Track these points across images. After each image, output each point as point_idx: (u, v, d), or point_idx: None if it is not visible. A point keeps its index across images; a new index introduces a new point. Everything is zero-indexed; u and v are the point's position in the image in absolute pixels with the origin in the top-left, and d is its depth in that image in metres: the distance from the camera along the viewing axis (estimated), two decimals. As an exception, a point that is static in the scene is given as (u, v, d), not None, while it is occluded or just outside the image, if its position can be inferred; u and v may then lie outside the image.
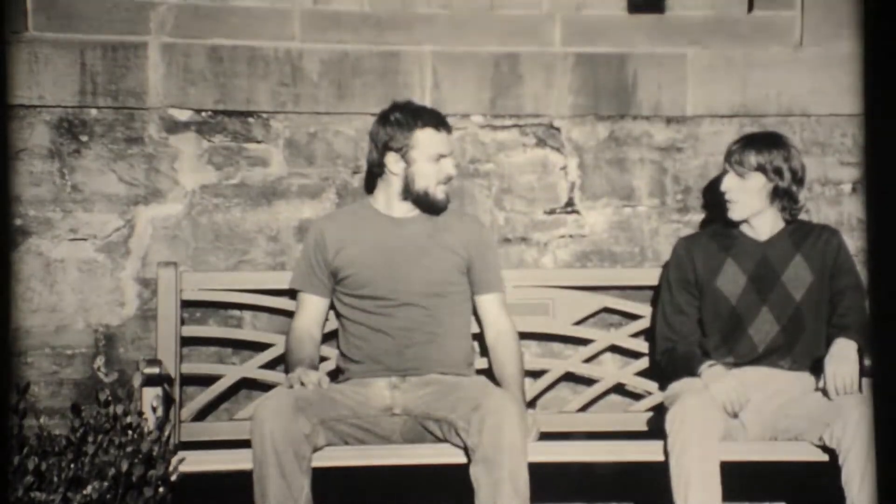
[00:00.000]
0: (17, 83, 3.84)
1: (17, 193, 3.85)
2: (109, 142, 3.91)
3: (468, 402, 3.37)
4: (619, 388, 3.98)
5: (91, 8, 3.91)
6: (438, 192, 3.65)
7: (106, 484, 3.04)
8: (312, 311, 3.70)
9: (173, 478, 3.28)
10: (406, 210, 3.69)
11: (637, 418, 3.87)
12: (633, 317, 3.96)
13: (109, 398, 3.36)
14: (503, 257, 4.00)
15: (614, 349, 3.98)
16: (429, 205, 3.66)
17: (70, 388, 3.86)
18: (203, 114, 3.96)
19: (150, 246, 3.92)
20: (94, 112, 3.91)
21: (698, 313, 3.72)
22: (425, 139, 3.61)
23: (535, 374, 3.95)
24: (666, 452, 3.38)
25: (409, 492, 3.86)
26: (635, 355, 3.95)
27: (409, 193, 3.65)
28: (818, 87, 4.04)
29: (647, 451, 3.48)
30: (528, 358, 3.96)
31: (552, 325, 3.94)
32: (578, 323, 3.96)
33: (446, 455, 3.45)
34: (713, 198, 3.91)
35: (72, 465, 3.05)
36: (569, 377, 3.97)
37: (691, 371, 3.58)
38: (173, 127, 3.94)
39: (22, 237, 3.86)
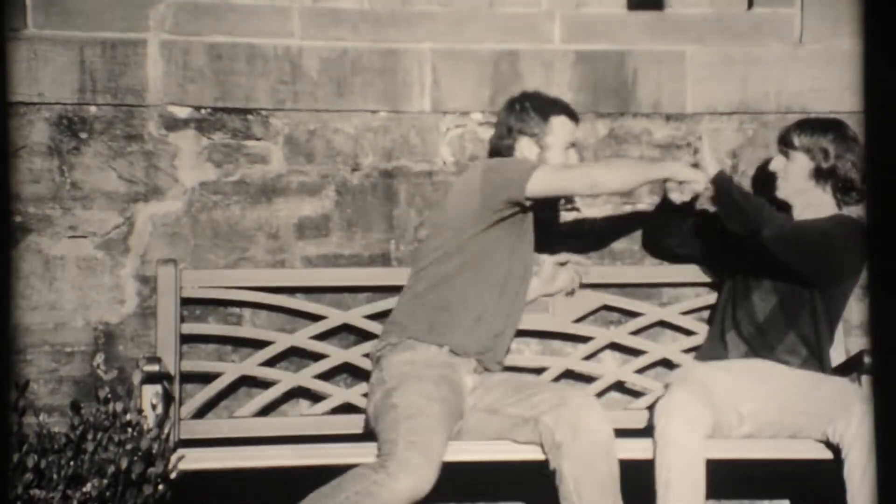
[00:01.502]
0: (17, 80, 3.84)
1: (16, 190, 3.85)
2: (109, 139, 3.92)
3: (548, 397, 3.41)
4: (619, 386, 3.98)
5: (90, 5, 3.91)
6: None
7: (105, 481, 3.05)
8: None
9: (173, 475, 3.28)
10: None
11: (637, 416, 3.86)
12: (633, 314, 3.96)
13: (109, 396, 3.37)
14: None
15: (614, 346, 3.98)
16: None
17: (69, 385, 3.86)
18: (202, 111, 3.96)
19: (150, 243, 3.91)
20: (93, 109, 3.91)
21: None
22: (559, 126, 3.67)
23: (536, 372, 3.93)
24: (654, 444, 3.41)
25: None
26: (635, 353, 3.95)
27: None
28: (818, 84, 4.03)
29: (647, 449, 3.48)
30: (528, 355, 3.99)
31: (552, 323, 3.94)
32: (578, 320, 3.95)
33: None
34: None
35: (71, 463, 3.05)
36: (568, 374, 3.97)
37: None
38: (173, 124, 3.94)
39: (21, 234, 3.86)
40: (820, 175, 3.67)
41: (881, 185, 1.33)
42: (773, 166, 3.74)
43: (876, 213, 1.33)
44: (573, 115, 3.72)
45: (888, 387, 1.33)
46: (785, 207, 3.73)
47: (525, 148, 3.66)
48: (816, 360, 3.65)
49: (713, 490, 3.51)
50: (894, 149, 1.31)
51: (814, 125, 3.72)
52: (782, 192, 3.73)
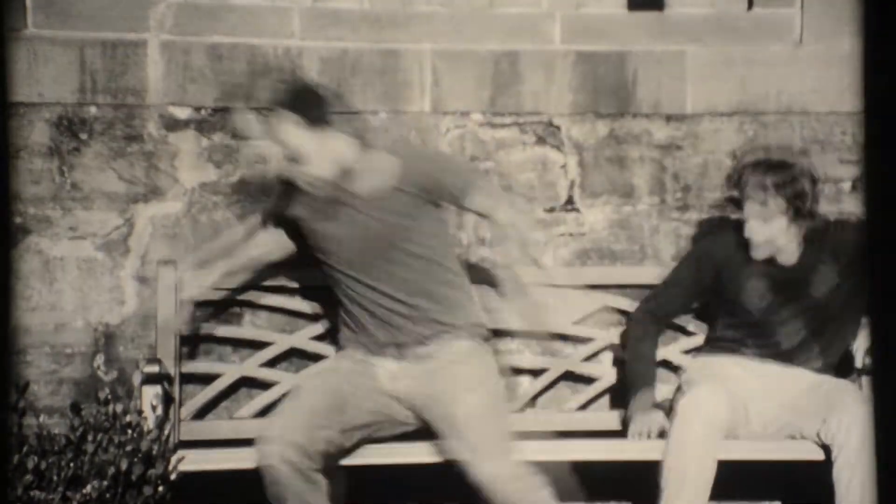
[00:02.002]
0: (17, 81, 3.85)
1: (16, 191, 3.85)
2: (109, 139, 3.91)
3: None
4: (619, 387, 3.96)
5: (90, 5, 3.92)
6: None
7: (105, 483, 3.06)
8: None
9: (173, 477, 3.30)
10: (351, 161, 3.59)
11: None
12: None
13: (109, 397, 3.38)
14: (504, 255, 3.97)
15: (614, 348, 3.96)
16: None
17: (69, 386, 3.85)
18: (203, 112, 3.95)
19: (150, 244, 3.91)
20: (93, 110, 3.91)
21: (692, 303, 3.81)
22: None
23: (535, 373, 3.94)
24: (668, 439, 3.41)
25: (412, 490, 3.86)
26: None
27: None
28: (818, 84, 4.03)
29: (646, 450, 3.48)
30: (527, 356, 3.97)
31: (552, 324, 3.87)
32: (578, 322, 3.94)
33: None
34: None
35: (71, 464, 3.07)
36: (568, 376, 3.96)
37: (631, 380, 3.71)
38: (173, 125, 3.93)
39: (21, 235, 3.85)
40: (799, 217, 3.61)
41: (881, 185, 1.32)
42: (749, 232, 3.58)
43: (876, 214, 1.32)
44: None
45: (888, 387, 1.32)
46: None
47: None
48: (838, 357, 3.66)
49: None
50: (894, 149, 1.30)
51: (782, 168, 3.61)
52: (761, 252, 3.62)
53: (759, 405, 3.56)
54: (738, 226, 3.64)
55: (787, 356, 3.66)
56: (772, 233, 3.59)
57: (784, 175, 3.58)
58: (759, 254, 3.61)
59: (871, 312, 1.33)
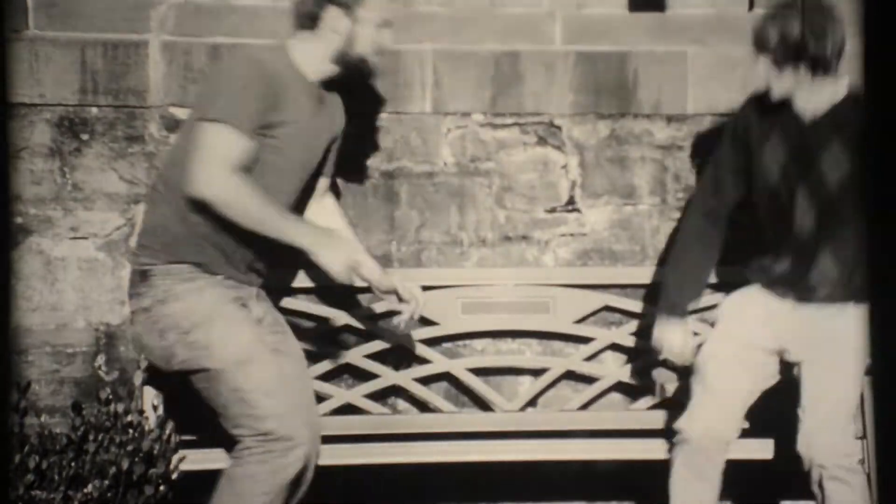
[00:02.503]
0: (18, 81, 3.85)
1: (17, 192, 3.85)
2: (110, 140, 3.91)
3: None
4: (620, 387, 3.97)
5: (91, 6, 3.92)
6: (371, 63, 3.45)
7: (107, 482, 3.06)
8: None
9: (174, 476, 3.31)
10: (325, 73, 3.42)
11: (638, 416, 3.86)
12: (635, 315, 3.94)
13: (110, 396, 3.38)
14: (504, 255, 4.01)
15: (615, 347, 3.97)
16: (359, 74, 3.48)
17: (71, 386, 3.85)
18: None
19: None
20: (94, 110, 3.90)
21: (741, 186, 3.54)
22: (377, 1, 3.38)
23: (536, 373, 3.95)
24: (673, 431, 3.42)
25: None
26: (636, 353, 3.94)
27: (343, 56, 3.38)
28: None
29: (648, 450, 3.49)
30: (528, 356, 3.99)
31: (553, 324, 3.92)
32: (579, 321, 3.94)
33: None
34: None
35: (72, 464, 3.08)
36: (570, 375, 3.96)
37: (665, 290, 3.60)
38: (174, 125, 3.89)
39: (23, 236, 3.85)
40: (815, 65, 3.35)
41: (881, 184, 1.31)
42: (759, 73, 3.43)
43: (876, 213, 1.31)
44: None
45: (888, 387, 1.31)
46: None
47: (333, 19, 3.33)
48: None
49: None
50: (895, 148, 1.30)
51: (780, 13, 3.40)
52: (777, 90, 3.42)
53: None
54: (765, 93, 3.46)
55: (803, 249, 3.45)
56: (788, 84, 3.40)
57: (786, 17, 3.37)
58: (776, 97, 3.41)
59: (871, 311, 1.32)
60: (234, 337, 3.27)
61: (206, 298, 3.28)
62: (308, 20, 3.36)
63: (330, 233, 3.32)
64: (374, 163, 4.00)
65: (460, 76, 4.01)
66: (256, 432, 3.24)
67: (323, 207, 3.63)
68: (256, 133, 3.23)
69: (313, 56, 3.38)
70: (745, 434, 3.54)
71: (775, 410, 3.56)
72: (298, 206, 3.46)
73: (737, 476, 3.58)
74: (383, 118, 4.00)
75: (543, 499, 3.89)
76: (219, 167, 3.15)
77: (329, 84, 3.45)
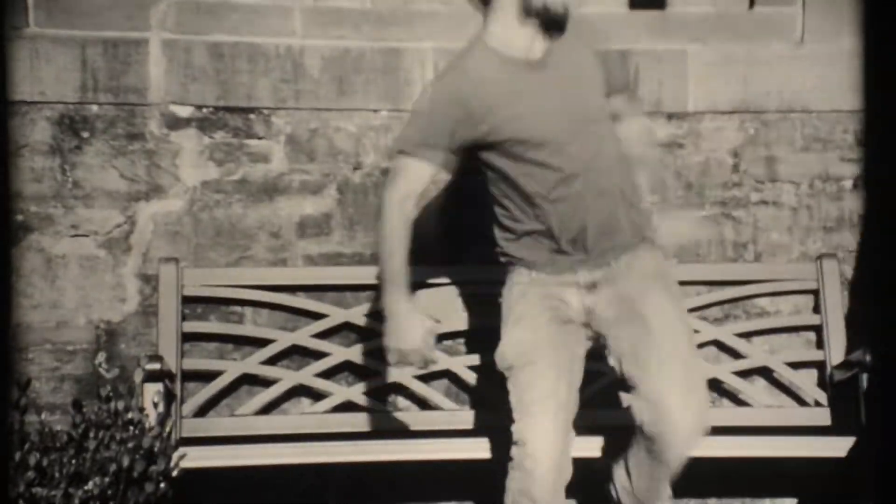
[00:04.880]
0: (18, 79, 3.85)
1: (18, 189, 3.84)
2: (110, 138, 3.92)
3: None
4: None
5: (92, 4, 3.92)
6: (555, 3, 3.11)
7: (107, 480, 3.05)
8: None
9: (174, 474, 3.28)
10: (526, 36, 3.15)
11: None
12: None
13: (111, 394, 3.37)
14: None
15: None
16: (549, 21, 3.12)
17: (71, 384, 3.85)
18: (204, 110, 3.96)
19: (151, 242, 3.91)
20: (95, 108, 3.91)
21: None
22: None
23: None
24: None
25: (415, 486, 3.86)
26: None
27: (528, 11, 3.12)
28: (819, 83, 4.04)
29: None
30: None
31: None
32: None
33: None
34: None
35: (73, 461, 3.05)
36: None
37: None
38: (174, 123, 3.93)
39: (23, 233, 3.85)
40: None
41: (881, 184, 1.31)
42: None
43: (876, 213, 1.31)
44: None
45: (888, 387, 1.32)
46: None
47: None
48: None
49: (716, 488, 3.53)
50: (895, 148, 1.29)
51: None
52: None
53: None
54: None
55: None
56: None
57: None
58: None
59: (871, 311, 1.33)
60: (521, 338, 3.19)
61: (514, 295, 3.22)
62: (480, 1, 3.19)
63: (410, 318, 3.14)
64: (375, 160, 4.00)
65: None
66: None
67: (629, 130, 3.32)
68: (477, 142, 3.13)
69: (504, 29, 3.14)
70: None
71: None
72: (603, 141, 3.17)
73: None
74: (384, 116, 4.01)
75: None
76: (394, 192, 3.14)
77: (545, 35, 3.16)
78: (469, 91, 3.11)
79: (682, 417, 3.00)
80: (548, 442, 3.13)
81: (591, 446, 3.50)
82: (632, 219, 3.18)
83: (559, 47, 3.15)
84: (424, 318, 3.12)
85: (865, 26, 1.32)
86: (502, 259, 3.24)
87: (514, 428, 3.15)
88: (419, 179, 3.14)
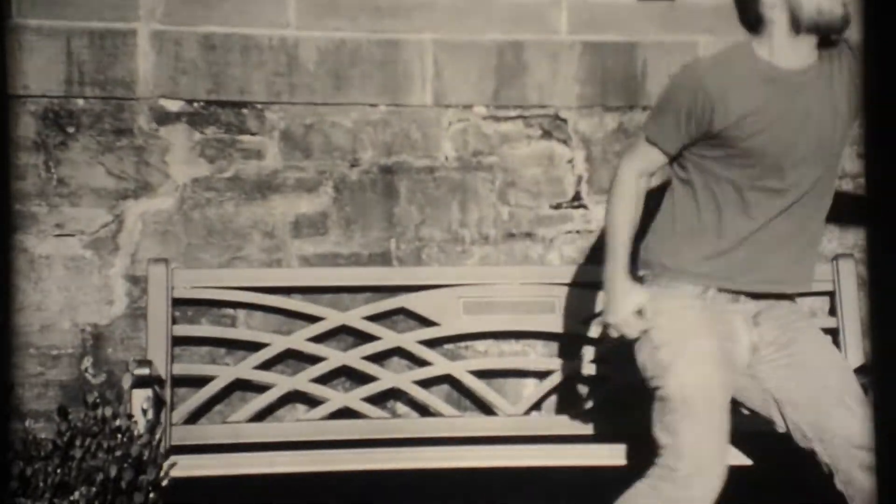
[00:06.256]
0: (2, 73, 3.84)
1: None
2: (97, 133, 3.92)
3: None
4: (629, 389, 3.97)
5: (79, -6, 3.93)
6: (831, 9, 3.10)
7: (94, 489, 3.09)
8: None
9: (164, 483, 3.28)
10: (803, 52, 3.17)
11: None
12: None
13: (97, 400, 3.40)
14: (507, 253, 4.05)
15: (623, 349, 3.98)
16: (829, 28, 3.12)
17: (56, 389, 3.88)
18: (195, 104, 3.97)
19: (140, 242, 3.92)
20: (80, 102, 3.92)
21: None
22: None
23: (541, 375, 3.98)
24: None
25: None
26: None
27: (803, 28, 3.13)
28: None
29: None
30: (533, 358, 4.03)
31: (558, 324, 3.94)
32: (586, 321, 3.94)
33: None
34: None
35: (58, 470, 3.06)
36: (575, 378, 3.98)
37: None
38: (164, 118, 3.95)
39: (6, 233, 3.85)
40: None
41: (881, 183, 1.31)
42: None
43: (876, 212, 1.31)
44: None
45: (888, 386, 1.32)
46: None
47: (768, 9, 3.12)
48: None
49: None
50: (894, 148, 1.30)
51: None
52: None
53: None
54: None
55: None
56: None
57: None
58: None
59: (871, 311, 1.32)
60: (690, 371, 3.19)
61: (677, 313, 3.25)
62: (753, 23, 3.17)
63: (626, 291, 3.17)
64: (373, 157, 4.03)
65: (462, 67, 4.04)
66: (667, 466, 3.18)
67: None
68: (705, 140, 3.15)
69: (777, 52, 3.15)
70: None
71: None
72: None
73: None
74: (382, 111, 4.03)
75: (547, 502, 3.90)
76: (632, 165, 3.20)
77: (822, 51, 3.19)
78: (714, 88, 3.10)
79: None
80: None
81: (615, 454, 3.54)
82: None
83: (828, 62, 3.17)
84: (640, 291, 3.17)
85: (865, 26, 1.32)
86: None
87: None
88: (654, 163, 3.20)
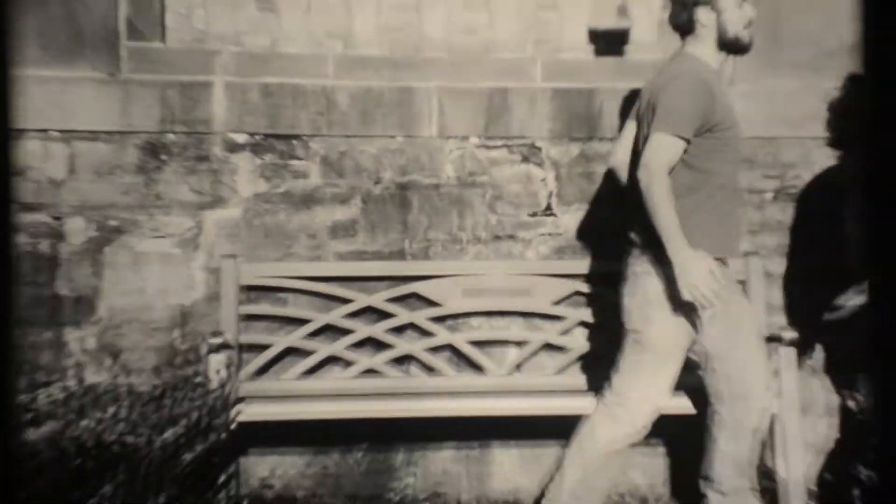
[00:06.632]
0: (116, 114, 3.86)
1: (112, 201, 3.89)
2: (183, 160, 3.93)
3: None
4: (587, 355, 3.98)
5: (170, 55, 3.93)
6: (745, 37, 3.18)
7: (180, 430, 3.06)
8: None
9: (233, 426, 3.39)
10: (719, 62, 3.23)
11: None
12: (598, 297, 3.94)
13: (185, 362, 3.57)
14: (495, 251, 4.00)
15: (583, 324, 3.99)
16: (738, 50, 3.19)
17: (153, 354, 3.84)
18: (256, 137, 3.95)
19: (215, 242, 3.92)
20: (171, 136, 3.91)
21: None
22: None
23: (521, 344, 3.97)
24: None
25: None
26: (601, 328, 3.94)
27: (722, 44, 3.17)
28: (746, 115, 3.84)
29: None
30: (514, 331, 3.99)
31: (534, 305, 3.94)
32: (556, 303, 3.97)
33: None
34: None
35: (154, 415, 3.08)
36: (548, 347, 3.99)
37: None
38: (233, 147, 3.95)
39: (116, 235, 3.88)
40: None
41: (881, 184, 1.18)
42: None
43: (875, 214, 1.18)
44: None
45: (888, 386, 1.18)
46: None
47: (703, 17, 3.14)
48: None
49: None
50: (894, 148, 1.17)
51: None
52: None
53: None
54: None
55: None
56: None
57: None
58: None
59: (871, 311, 1.20)
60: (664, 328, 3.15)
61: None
62: (685, 27, 3.19)
63: (696, 258, 3.00)
64: (391, 176, 4.00)
65: (460, 107, 4.00)
66: (621, 394, 3.19)
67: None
68: (704, 132, 3.11)
69: (706, 54, 3.18)
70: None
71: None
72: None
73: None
74: (399, 141, 4.01)
75: (526, 441, 3.97)
76: (662, 163, 3.04)
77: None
78: (711, 82, 3.12)
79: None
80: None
81: (580, 405, 3.49)
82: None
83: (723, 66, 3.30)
84: (708, 258, 3.01)
85: (864, 25, 1.19)
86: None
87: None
88: (678, 154, 3.09)
